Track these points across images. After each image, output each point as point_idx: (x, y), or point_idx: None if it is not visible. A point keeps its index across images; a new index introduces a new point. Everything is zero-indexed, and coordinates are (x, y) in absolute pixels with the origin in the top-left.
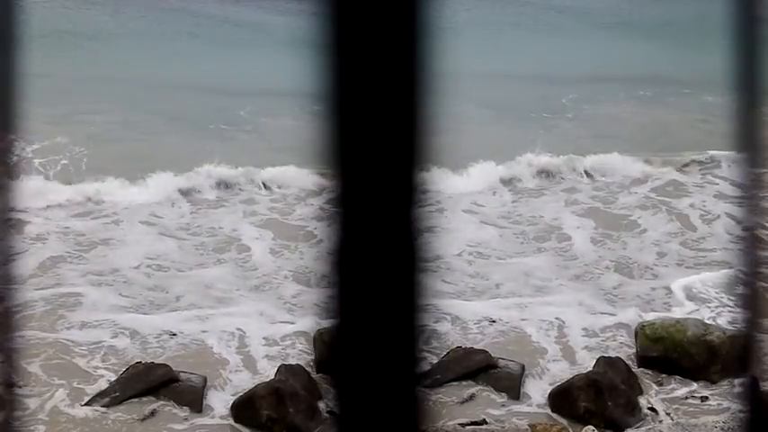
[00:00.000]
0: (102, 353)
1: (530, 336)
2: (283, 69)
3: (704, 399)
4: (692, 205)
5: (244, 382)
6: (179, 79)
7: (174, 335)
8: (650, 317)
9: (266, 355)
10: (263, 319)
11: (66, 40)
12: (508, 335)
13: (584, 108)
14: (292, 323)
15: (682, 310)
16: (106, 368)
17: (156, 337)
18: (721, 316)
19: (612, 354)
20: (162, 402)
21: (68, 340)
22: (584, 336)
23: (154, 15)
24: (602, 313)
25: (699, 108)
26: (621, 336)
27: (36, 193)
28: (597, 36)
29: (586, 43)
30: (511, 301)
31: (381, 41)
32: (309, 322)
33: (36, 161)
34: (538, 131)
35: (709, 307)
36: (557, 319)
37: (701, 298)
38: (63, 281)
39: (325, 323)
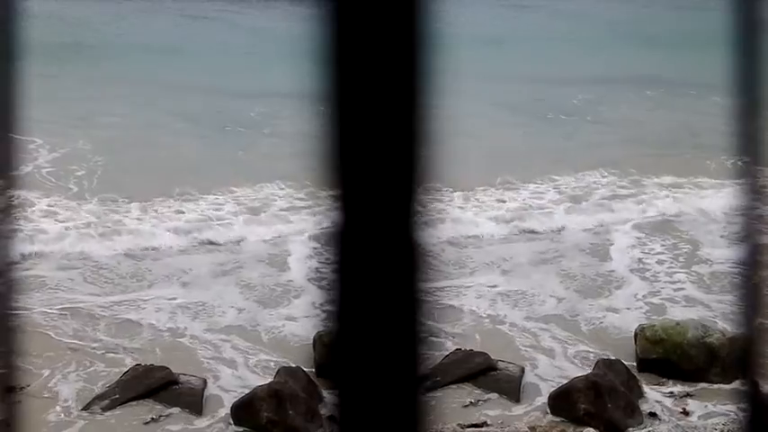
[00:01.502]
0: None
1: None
2: (284, 72)
3: (704, 401)
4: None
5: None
6: (180, 80)
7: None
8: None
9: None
10: (218, 306)
11: (69, 44)
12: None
13: (600, 110)
14: (243, 310)
15: (625, 292)
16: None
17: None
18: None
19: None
20: (161, 405)
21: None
22: (526, 321)
23: (151, 18)
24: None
25: (714, 110)
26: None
27: (46, 214)
28: (592, 39)
29: (582, 46)
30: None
31: (383, 45)
32: (259, 312)
33: (52, 170)
34: (564, 136)
35: (653, 284)
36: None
37: (648, 277)
38: (33, 265)
39: (324, 325)
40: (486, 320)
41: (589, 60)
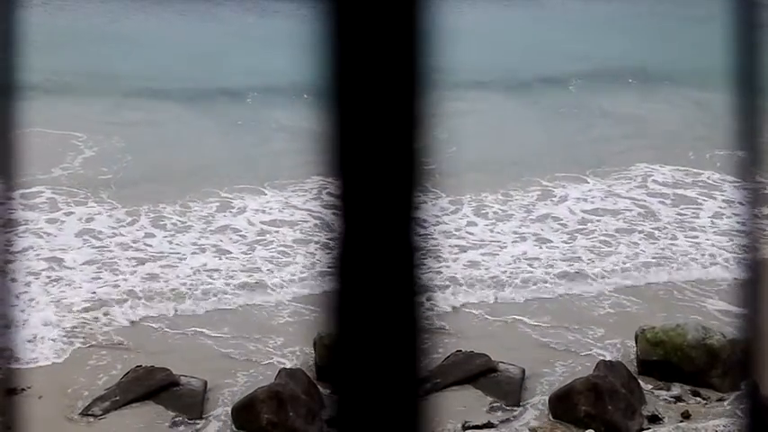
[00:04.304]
0: None
1: None
2: (285, 67)
3: (704, 403)
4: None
5: None
6: (185, 75)
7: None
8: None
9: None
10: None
11: (63, 40)
12: None
13: (600, 103)
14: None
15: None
16: None
17: None
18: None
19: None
20: (161, 407)
21: None
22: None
23: (151, 16)
24: None
25: (708, 106)
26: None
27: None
28: (572, 29)
29: (564, 37)
30: None
31: (382, 40)
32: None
33: (82, 172)
34: (587, 132)
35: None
36: None
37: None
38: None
39: (326, 327)
40: (488, 322)
41: (565, 53)
